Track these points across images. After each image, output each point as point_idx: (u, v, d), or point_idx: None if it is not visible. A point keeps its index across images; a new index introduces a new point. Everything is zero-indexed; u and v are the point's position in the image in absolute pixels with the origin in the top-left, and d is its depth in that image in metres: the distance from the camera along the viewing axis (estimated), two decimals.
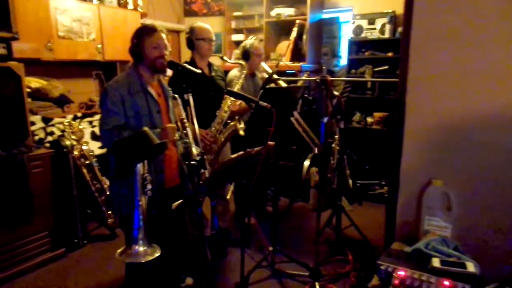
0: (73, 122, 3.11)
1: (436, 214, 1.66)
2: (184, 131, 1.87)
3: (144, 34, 2.02)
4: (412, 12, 1.75)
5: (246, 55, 3.15)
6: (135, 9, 4.16)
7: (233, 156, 1.61)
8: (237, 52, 3.33)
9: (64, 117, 3.33)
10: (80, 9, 3.50)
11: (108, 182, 3.12)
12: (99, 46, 3.69)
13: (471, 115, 1.67)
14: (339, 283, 2.58)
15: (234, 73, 3.13)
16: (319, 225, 2.63)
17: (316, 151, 3.12)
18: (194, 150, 1.73)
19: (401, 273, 1.32)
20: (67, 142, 2.97)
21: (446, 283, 1.26)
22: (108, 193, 3.07)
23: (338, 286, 2.54)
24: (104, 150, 3.40)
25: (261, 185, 3.30)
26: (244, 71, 3.03)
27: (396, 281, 1.27)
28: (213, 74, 2.90)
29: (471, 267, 1.32)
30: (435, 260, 1.35)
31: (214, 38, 2.84)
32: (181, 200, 1.52)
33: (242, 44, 3.24)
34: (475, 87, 1.65)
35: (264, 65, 3.31)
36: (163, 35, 2.05)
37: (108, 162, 2.03)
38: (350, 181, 3.87)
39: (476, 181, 1.67)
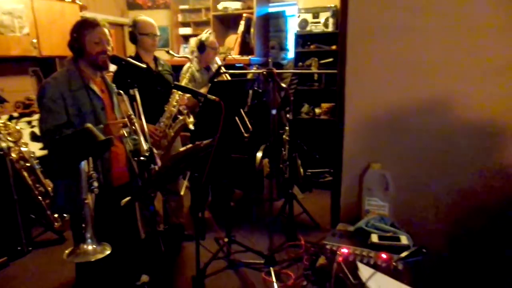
0: (9, 123, 2.92)
1: (375, 195, 1.80)
2: (133, 127, 1.84)
3: (84, 28, 1.94)
4: (348, 6, 1.86)
5: (202, 47, 3.14)
6: (73, 1, 3.95)
7: (181, 149, 1.62)
8: (191, 45, 3.31)
9: None
10: (11, 2, 3.26)
11: (52, 185, 2.97)
12: (34, 40, 3.46)
13: (404, 103, 1.82)
14: (294, 267, 2.70)
15: (185, 67, 3.11)
16: (272, 214, 2.72)
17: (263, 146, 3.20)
18: (144, 145, 1.71)
19: (344, 250, 1.42)
20: (3, 144, 2.77)
21: (383, 256, 1.38)
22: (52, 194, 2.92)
23: (293, 270, 2.66)
24: (46, 152, 3.23)
25: (221, 180, 3.32)
26: (193, 65, 3.02)
27: (340, 258, 1.37)
28: (159, 68, 2.86)
29: (404, 240, 1.46)
30: (374, 236, 1.47)
31: (158, 33, 2.79)
32: (129, 197, 1.50)
33: (198, 37, 3.22)
34: (408, 78, 1.80)
35: (217, 59, 3.33)
36: (106, 30, 1.98)
37: (51, 163, 1.94)
38: (301, 170, 4.03)
39: (409, 163, 1.83)
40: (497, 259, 1.70)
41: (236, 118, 2.77)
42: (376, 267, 1.33)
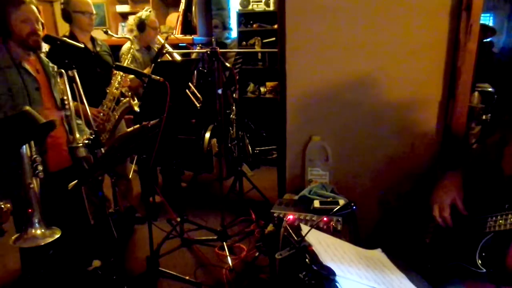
0: None
1: (316, 165, 1.96)
2: (68, 111, 1.77)
3: (8, 5, 1.79)
4: None
5: (141, 26, 3.03)
6: None
7: (129, 130, 1.62)
8: (130, 23, 3.17)
9: None
10: None
11: None
12: None
13: (338, 79, 1.97)
14: (245, 241, 2.83)
15: (125, 47, 3.00)
16: (222, 192, 2.80)
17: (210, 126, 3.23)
18: (78, 135, 1.66)
19: (290, 217, 1.54)
20: None
21: (325, 219, 1.53)
22: None
23: (245, 243, 2.79)
24: None
25: (170, 161, 3.31)
26: (134, 46, 2.93)
27: (286, 224, 1.49)
28: (98, 49, 2.75)
29: (342, 203, 1.62)
30: (316, 202, 1.61)
31: (94, 11, 2.66)
32: (76, 181, 1.48)
33: (138, 15, 3.10)
34: (341, 55, 1.94)
35: (159, 37, 3.24)
36: (33, 7, 1.86)
37: None
38: (250, 149, 4.15)
39: (346, 134, 2.01)
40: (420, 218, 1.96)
41: (184, 95, 2.77)
42: (318, 229, 1.47)
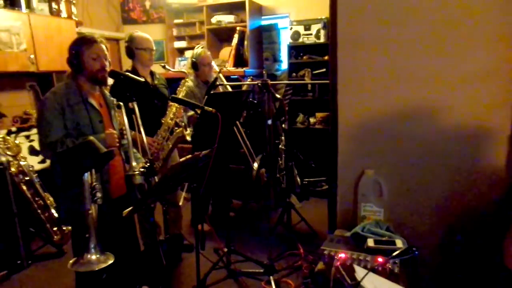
0: (8, 137, 2.94)
1: (370, 200, 1.85)
2: (125, 139, 1.88)
3: (83, 44, 1.99)
4: (336, 19, 1.94)
5: (195, 66, 3.19)
6: (69, 17, 4.02)
7: (181, 159, 1.67)
8: (188, 62, 3.35)
9: None
10: (8, 18, 3.32)
11: (51, 198, 2.99)
12: (32, 56, 3.51)
13: (391, 110, 1.89)
14: (293, 276, 2.72)
15: (183, 81, 3.16)
16: (271, 223, 2.75)
17: (259, 157, 3.24)
18: (133, 161, 1.74)
19: (342, 255, 1.46)
20: (3, 159, 2.80)
21: (380, 259, 1.42)
22: (54, 206, 2.95)
23: (292, 278, 2.68)
24: (45, 165, 3.25)
25: (221, 191, 3.35)
26: (190, 79, 3.08)
27: (338, 263, 1.41)
28: (156, 82, 2.92)
29: (399, 243, 1.51)
30: (370, 240, 1.52)
31: (154, 47, 2.86)
32: (131, 208, 1.54)
33: (190, 56, 3.28)
34: (393, 86, 1.87)
35: (213, 64, 3.36)
36: (103, 46, 2.04)
37: (53, 175, 1.97)
38: (298, 179, 4.08)
39: (400, 168, 1.89)
40: (488, 263, 1.75)
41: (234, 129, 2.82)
42: (373, 270, 1.37)
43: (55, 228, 3.00)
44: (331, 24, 1.98)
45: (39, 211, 2.93)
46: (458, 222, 1.84)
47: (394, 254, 1.26)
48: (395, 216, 1.86)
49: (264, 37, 5.04)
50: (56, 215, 3.01)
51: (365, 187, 1.86)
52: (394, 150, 1.89)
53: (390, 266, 1.39)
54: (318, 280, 1.53)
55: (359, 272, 1.09)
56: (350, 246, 1.56)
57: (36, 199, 2.93)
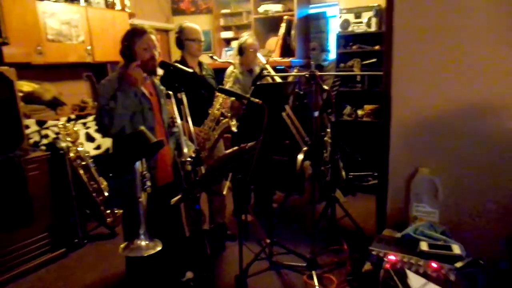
0: (68, 124, 3.14)
1: (423, 201, 1.74)
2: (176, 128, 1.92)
3: (134, 36, 2.05)
4: (393, 6, 1.81)
5: (241, 50, 3.19)
6: (123, 9, 4.17)
7: (227, 151, 1.67)
8: (235, 48, 3.37)
9: (58, 119, 3.35)
10: (68, 12, 3.51)
11: (105, 182, 3.16)
12: (89, 47, 3.70)
13: (452, 106, 1.74)
14: (336, 272, 2.66)
15: (229, 70, 3.18)
16: (314, 217, 2.70)
17: (304, 148, 3.17)
18: (185, 148, 1.77)
19: (392, 257, 1.39)
20: (63, 144, 3.00)
21: (434, 265, 1.33)
22: (106, 193, 3.12)
23: (335, 275, 2.62)
24: (100, 151, 3.44)
25: (264, 183, 3.36)
26: (235, 70, 3.08)
27: (387, 265, 1.34)
28: (203, 73, 2.95)
29: (456, 249, 1.40)
30: (423, 244, 1.42)
31: (203, 38, 2.88)
32: (180, 196, 1.57)
33: (238, 40, 3.29)
34: (457, 79, 1.72)
35: (260, 57, 3.35)
36: (153, 37, 2.09)
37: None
38: (343, 173, 3.96)
39: (459, 168, 1.75)
40: None
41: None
42: (425, 276, 1.29)
43: (108, 211, 3.17)
44: (387, 11, 1.86)
45: (94, 194, 3.11)
46: None
47: (458, 265, 1.16)
48: (451, 218, 1.73)
49: (312, 26, 4.91)
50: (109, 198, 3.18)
51: (419, 186, 1.75)
52: (452, 148, 1.75)
53: (445, 272, 1.30)
54: (364, 281, 1.48)
55: (413, 278, 1.02)
56: (401, 248, 1.48)
57: (91, 183, 3.11)
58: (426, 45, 1.76)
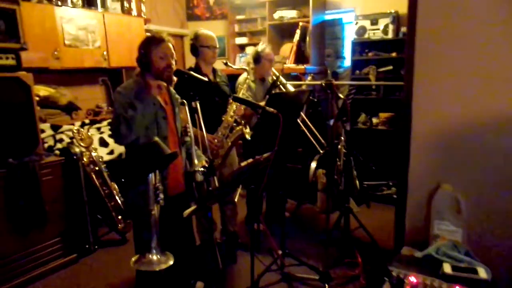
0: (82, 129, 3.15)
1: (445, 218, 1.67)
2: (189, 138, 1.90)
3: (151, 44, 2.04)
4: (417, 12, 1.75)
5: (258, 58, 3.16)
6: (139, 15, 4.20)
7: (242, 164, 1.63)
8: (249, 56, 3.35)
9: (73, 124, 3.37)
10: (85, 17, 3.54)
11: (117, 188, 3.15)
12: (105, 53, 3.72)
13: (479, 119, 1.66)
14: (349, 286, 2.59)
15: (242, 78, 3.15)
16: (327, 227, 2.64)
17: (316, 157, 3.12)
18: (196, 159, 1.74)
19: (413, 279, 1.32)
20: (77, 149, 3.00)
21: None
22: (117, 198, 3.11)
23: None
24: (112, 156, 3.44)
25: (277, 191, 3.31)
26: (249, 77, 3.05)
27: (408, 287, 1.28)
28: (217, 79, 2.93)
29: (482, 272, 1.33)
30: (446, 265, 1.36)
31: (217, 45, 2.86)
32: (193, 207, 1.54)
33: (255, 48, 3.26)
34: (483, 91, 1.65)
35: (274, 70, 3.33)
36: (170, 45, 2.07)
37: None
38: (357, 182, 3.88)
39: (485, 186, 1.66)
40: None
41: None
42: None
43: (119, 217, 3.16)
44: (408, 18, 1.80)
45: (106, 199, 3.11)
46: None
47: None
48: (476, 238, 1.65)
49: (327, 32, 4.86)
50: (121, 204, 3.17)
51: (441, 203, 1.68)
52: (477, 163, 1.68)
53: None
54: None
55: None
56: (422, 269, 1.41)
57: (104, 188, 3.10)
58: (449, 52, 1.68)
